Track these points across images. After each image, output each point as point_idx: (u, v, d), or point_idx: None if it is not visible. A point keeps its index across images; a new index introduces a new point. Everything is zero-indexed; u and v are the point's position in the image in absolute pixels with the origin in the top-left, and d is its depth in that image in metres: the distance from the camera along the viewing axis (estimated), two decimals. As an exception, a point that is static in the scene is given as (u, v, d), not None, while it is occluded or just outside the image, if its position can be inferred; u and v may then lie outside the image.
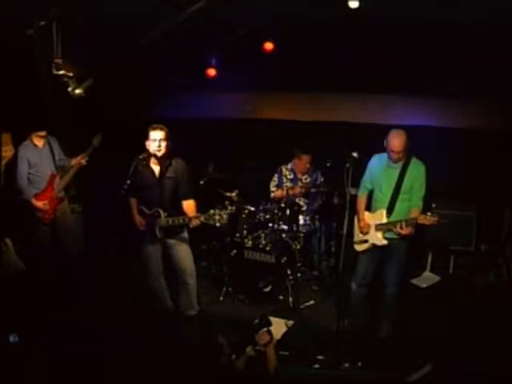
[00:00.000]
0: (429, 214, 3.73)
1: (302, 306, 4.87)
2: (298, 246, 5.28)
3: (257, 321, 3.43)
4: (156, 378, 2.97)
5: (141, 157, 4.00)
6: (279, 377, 3.22)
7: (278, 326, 4.01)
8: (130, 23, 4.21)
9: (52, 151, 4.95)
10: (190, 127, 6.21)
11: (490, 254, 5.69)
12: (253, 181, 6.11)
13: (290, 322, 4.29)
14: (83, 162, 4.92)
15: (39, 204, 4.77)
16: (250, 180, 6.19)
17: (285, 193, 5.38)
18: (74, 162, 4.95)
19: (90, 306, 4.33)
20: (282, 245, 5.15)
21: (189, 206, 4.17)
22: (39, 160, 4.85)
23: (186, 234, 4.28)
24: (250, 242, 5.06)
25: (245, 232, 5.31)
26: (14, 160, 4.93)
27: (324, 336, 4.08)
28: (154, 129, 4.03)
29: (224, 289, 5.06)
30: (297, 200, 5.54)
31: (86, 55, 4.26)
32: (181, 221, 4.03)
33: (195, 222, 3.99)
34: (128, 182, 3.86)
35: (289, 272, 4.91)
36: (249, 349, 3.33)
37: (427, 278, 5.69)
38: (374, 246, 4.04)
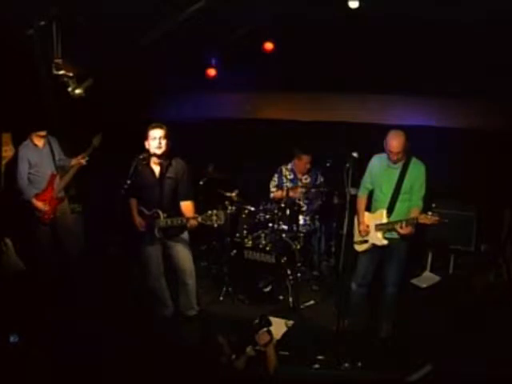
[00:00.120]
0: (430, 213, 3.74)
1: (302, 306, 4.87)
2: (298, 246, 5.28)
3: (257, 321, 3.42)
4: (156, 378, 2.97)
5: (141, 157, 4.00)
6: (279, 377, 3.22)
7: (278, 326, 4.01)
8: (130, 23, 4.21)
9: (52, 151, 4.95)
10: (190, 127, 6.21)
11: (490, 254, 5.69)
12: (253, 181, 6.11)
13: (290, 322, 4.30)
14: (83, 161, 4.92)
15: (39, 204, 4.77)
16: (250, 180, 6.18)
17: (285, 193, 5.39)
18: (74, 161, 4.95)
19: (89, 306, 4.33)
20: (281, 245, 5.15)
21: (187, 206, 4.17)
22: (39, 160, 4.85)
23: (186, 235, 4.28)
24: (250, 242, 5.06)
25: (245, 232, 5.31)
26: (14, 160, 4.93)
27: (324, 336, 4.08)
28: (154, 127, 4.04)
29: (224, 289, 5.06)
30: (297, 200, 5.54)
31: (85, 55, 4.26)
32: (179, 221, 4.03)
33: (193, 223, 3.99)
34: (128, 182, 3.86)
35: (289, 272, 4.91)
36: (249, 349, 3.33)
37: (427, 278, 5.69)
38: (374, 246, 4.04)
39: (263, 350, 3.27)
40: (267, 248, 4.95)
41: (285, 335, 4.08)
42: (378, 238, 3.99)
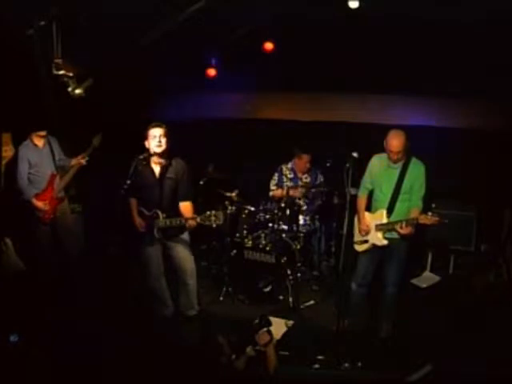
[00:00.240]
0: (429, 213, 3.74)
1: (302, 306, 4.87)
2: (298, 246, 5.28)
3: (257, 321, 3.42)
4: (156, 378, 2.97)
5: (141, 157, 4.01)
6: (279, 377, 3.22)
7: (278, 326, 4.01)
8: (130, 23, 4.21)
9: (52, 151, 4.94)
10: (190, 127, 6.21)
11: (490, 254, 5.69)
12: (253, 181, 6.11)
13: (290, 322, 4.29)
14: (83, 161, 4.92)
15: (39, 204, 4.77)
16: (250, 180, 6.19)
17: (285, 193, 5.39)
18: (73, 161, 4.95)
19: (89, 306, 4.33)
20: (282, 245, 5.15)
21: (186, 207, 4.17)
22: (39, 160, 4.85)
23: (186, 235, 4.28)
24: (250, 242, 5.06)
25: (245, 232, 5.31)
26: (14, 160, 4.92)
27: (324, 336, 4.08)
28: (153, 126, 4.05)
29: (224, 289, 5.06)
30: (297, 199, 5.54)
31: (85, 55, 4.26)
32: (178, 222, 4.03)
33: (192, 223, 3.99)
34: (128, 182, 3.86)
35: (289, 272, 4.91)
36: (249, 349, 3.33)
37: (427, 278, 5.69)
38: (374, 246, 4.04)
39: (263, 350, 3.27)
40: (267, 248, 4.95)
41: (285, 335, 4.08)
42: (378, 238, 3.99)
